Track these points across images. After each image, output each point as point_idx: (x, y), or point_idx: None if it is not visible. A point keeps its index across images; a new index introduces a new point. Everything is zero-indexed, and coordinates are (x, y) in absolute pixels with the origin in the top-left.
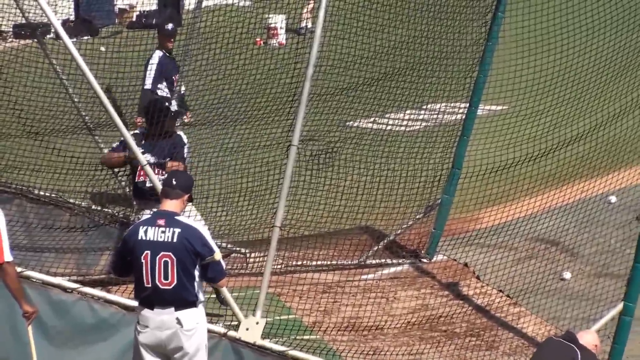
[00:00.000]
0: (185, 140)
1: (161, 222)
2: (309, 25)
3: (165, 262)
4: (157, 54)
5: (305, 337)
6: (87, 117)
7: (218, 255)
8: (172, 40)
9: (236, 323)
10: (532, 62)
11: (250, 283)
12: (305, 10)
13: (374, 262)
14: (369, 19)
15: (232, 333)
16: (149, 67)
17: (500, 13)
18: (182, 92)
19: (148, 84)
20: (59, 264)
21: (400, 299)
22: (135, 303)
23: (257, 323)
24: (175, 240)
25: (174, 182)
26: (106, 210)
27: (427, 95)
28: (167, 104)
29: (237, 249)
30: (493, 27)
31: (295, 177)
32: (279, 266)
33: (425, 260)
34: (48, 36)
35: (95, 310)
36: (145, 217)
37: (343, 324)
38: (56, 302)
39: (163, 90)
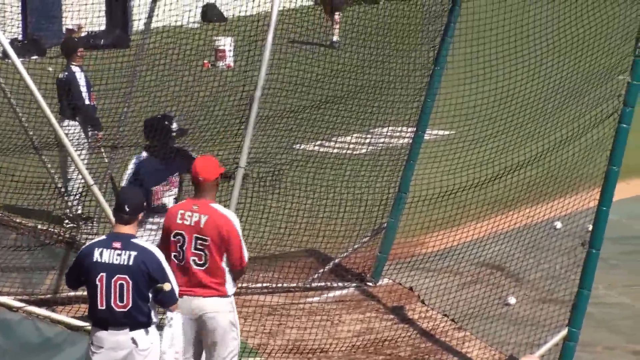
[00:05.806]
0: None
1: (117, 245)
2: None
3: (121, 285)
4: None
5: (250, 359)
6: (34, 137)
7: (168, 287)
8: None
9: None
10: (480, 87)
11: None
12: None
13: (319, 284)
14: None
15: None
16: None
17: (448, 38)
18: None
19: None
20: (4, 282)
21: (345, 322)
22: (79, 322)
23: None
24: (131, 263)
25: (127, 209)
26: (52, 230)
27: (374, 119)
28: (166, 122)
29: None
30: (441, 52)
31: (242, 199)
32: None
33: (370, 283)
34: None
35: (40, 329)
36: (99, 238)
37: (288, 346)
38: (1, 321)
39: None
